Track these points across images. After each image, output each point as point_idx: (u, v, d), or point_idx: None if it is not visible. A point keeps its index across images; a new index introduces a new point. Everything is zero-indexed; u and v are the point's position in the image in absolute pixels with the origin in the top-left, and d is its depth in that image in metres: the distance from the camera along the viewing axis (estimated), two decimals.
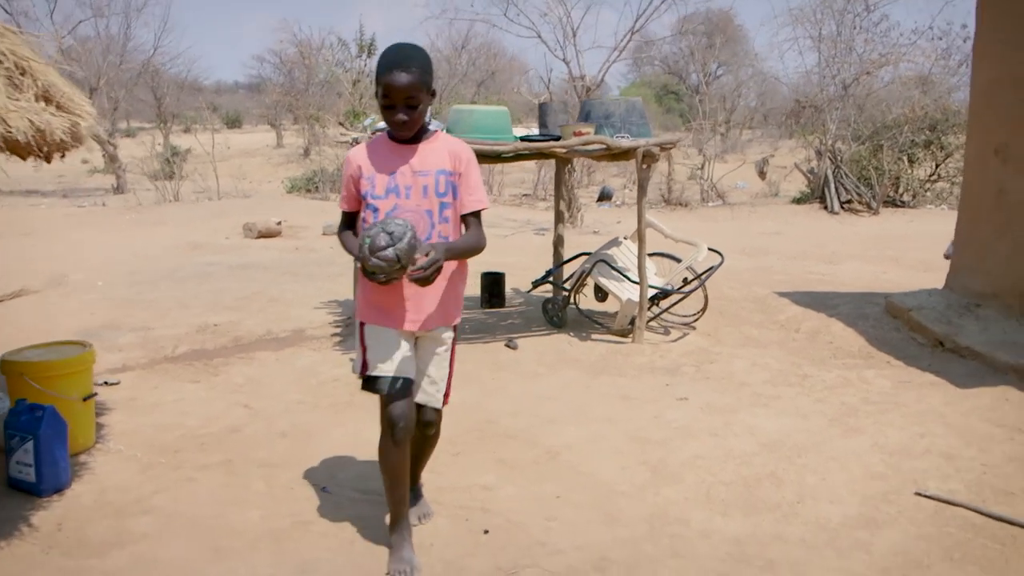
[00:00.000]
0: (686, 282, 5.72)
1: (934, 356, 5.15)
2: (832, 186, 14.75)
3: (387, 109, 2.56)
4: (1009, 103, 5.40)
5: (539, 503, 3.24)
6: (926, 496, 3.23)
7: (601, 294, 5.93)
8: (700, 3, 19.33)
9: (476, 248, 2.74)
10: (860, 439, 3.82)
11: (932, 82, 15.63)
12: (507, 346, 5.46)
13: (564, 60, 13.11)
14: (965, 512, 3.10)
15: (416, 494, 3.13)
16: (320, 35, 37.48)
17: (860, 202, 14.82)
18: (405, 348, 2.75)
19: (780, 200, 16.71)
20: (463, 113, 5.12)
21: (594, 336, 5.68)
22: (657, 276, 5.85)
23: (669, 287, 5.70)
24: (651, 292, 5.59)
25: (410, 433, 2.76)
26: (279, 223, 11.37)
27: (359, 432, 3.98)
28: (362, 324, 2.76)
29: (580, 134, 4.97)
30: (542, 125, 5.45)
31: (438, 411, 2.94)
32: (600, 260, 5.56)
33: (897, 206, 15.25)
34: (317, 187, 17.32)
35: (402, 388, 2.71)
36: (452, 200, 2.69)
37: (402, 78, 2.50)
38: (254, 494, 3.33)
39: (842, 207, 14.59)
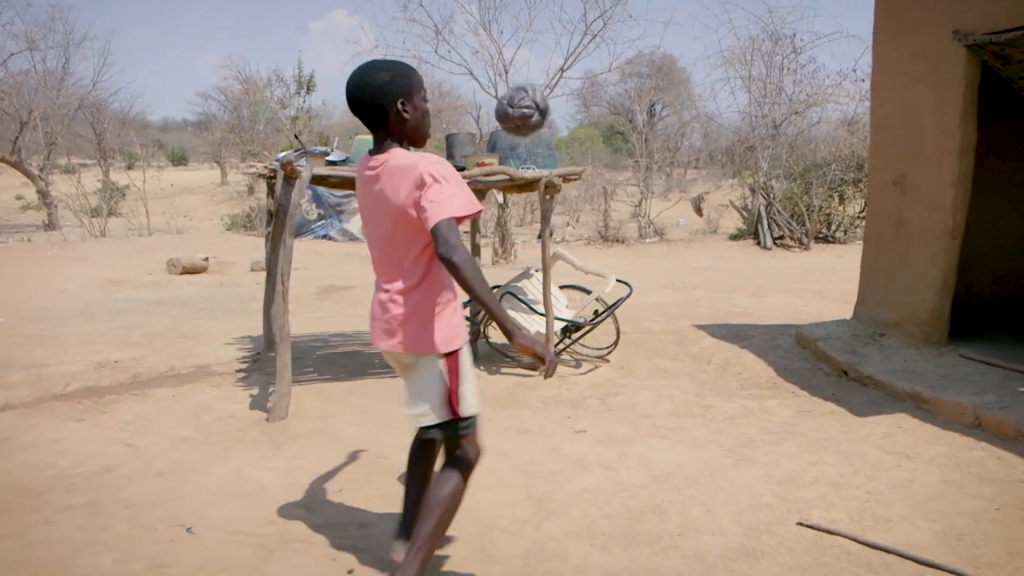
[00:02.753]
0: (597, 314, 5.69)
1: (838, 385, 5.18)
2: (765, 222, 15.04)
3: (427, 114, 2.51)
4: (904, 136, 5.53)
5: None
6: (807, 526, 3.18)
7: None
8: (629, 44, 19.69)
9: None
10: (752, 469, 3.78)
11: (857, 122, 16.12)
12: None
13: (496, 97, 13.21)
14: (844, 541, 3.06)
15: None
16: (265, 72, 37.38)
17: (792, 238, 15.13)
18: None
19: (718, 237, 16.98)
20: (365, 143, 5.05)
21: (504, 370, 5.60)
22: (568, 308, 5.81)
23: (581, 319, 5.66)
24: (561, 324, 5.54)
25: None
26: (205, 259, 11.13)
27: (241, 469, 3.83)
28: (456, 351, 2.51)
29: (483, 164, 4.94)
30: (449, 156, 5.42)
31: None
32: (507, 292, 5.51)
33: (828, 242, 15.60)
34: (254, 224, 17.09)
35: None
36: None
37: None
38: (113, 536, 3.14)
39: (775, 243, 14.87)
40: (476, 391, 2.62)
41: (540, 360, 2.37)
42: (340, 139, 5.97)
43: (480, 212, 2.53)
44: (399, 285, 2.49)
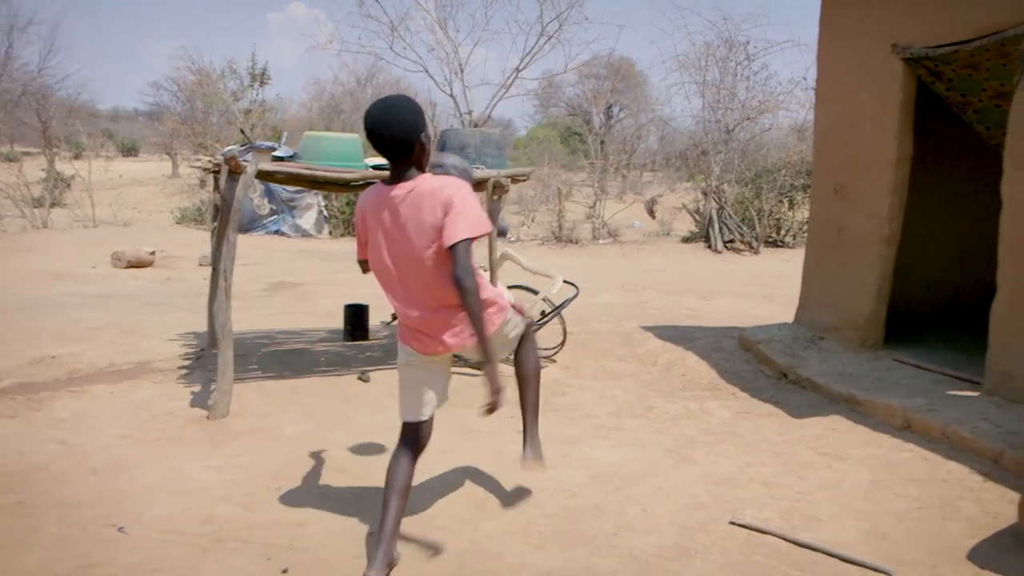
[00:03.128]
0: (544, 315, 5.73)
1: (778, 387, 5.30)
2: (716, 226, 15.29)
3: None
4: (845, 145, 5.68)
5: (351, 540, 3.11)
6: (740, 525, 3.26)
7: None
8: (584, 46, 19.82)
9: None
10: (691, 469, 3.85)
11: (807, 129, 16.47)
12: (359, 379, 5.32)
13: (451, 95, 13.21)
14: (774, 539, 3.14)
15: None
16: (220, 64, 36.70)
17: (742, 241, 15.40)
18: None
19: (670, 239, 17.19)
20: (313, 140, 5.02)
21: (451, 369, 5.58)
22: None
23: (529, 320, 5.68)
24: None
25: None
26: (152, 252, 10.91)
27: (179, 468, 3.78)
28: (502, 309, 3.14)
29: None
30: None
31: None
32: None
33: (778, 246, 15.92)
34: (205, 218, 16.79)
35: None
36: None
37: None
38: (41, 537, 3.07)
39: (725, 246, 15.12)
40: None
41: (493, 395, 2.76)
42: (289, 135, 5.90)
43: (489, 232, 2.79)
44: (446, 301, 2.75)
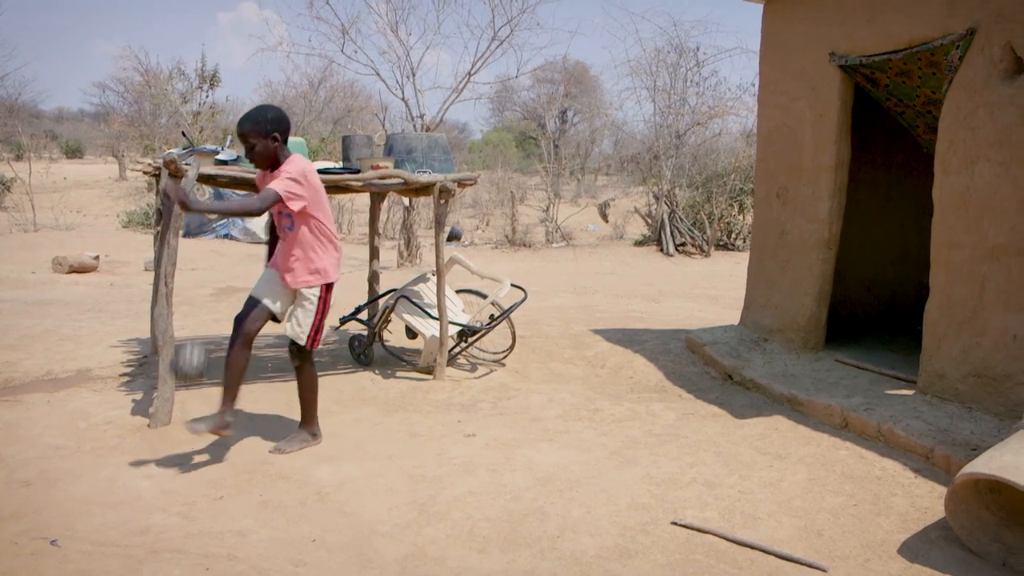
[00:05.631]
0: (492, 318, 5.74)
1: (722, 389, 5.38)
2: (668, 229, 15.47)
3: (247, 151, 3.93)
4: (786, 151, 5.81)
5: (292, 547, 3.08)
6: (681, 525, 3.30)
7: (412, 332, 5.86)
8: (537, 51, 19.93)
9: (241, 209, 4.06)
10: (634, 471, 3.89)
11: (755, 134, 16.75)
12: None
13: (403, 99, 13.16)
14: (714, 539, 3.18)
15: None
16: (168, 64, 35.88)
17: (693, 245, 15.61)
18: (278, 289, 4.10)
19: (624, 243, 17.34)
20: None
21: (399, 373, 5.58)
22: (464, 313, 5.84)
23: (478, 324, 5.70)
24: (457, 328, 5.56)
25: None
26: (96, 257, 10.66)
27: (115, 478, 3.70)
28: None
29: (378, 168, 4.91)
30: (345, 158, 5.37)
31: (301, 348, 4.12)
32: (402, 296, 5.49)
33: (728, 249, 16.16)
34: (153, 222, 16.46)
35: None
36: (284, 208, 3.90)
37: (242, 128, 3.86)
38: None
39: (677, 249, 15.31)
40: None
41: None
42: (233, 138, 5.81)
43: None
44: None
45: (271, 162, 3.92)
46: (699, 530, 3.25)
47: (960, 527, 3.04)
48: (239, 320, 4.05)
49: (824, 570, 2.91)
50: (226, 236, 16.07)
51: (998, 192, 4.13)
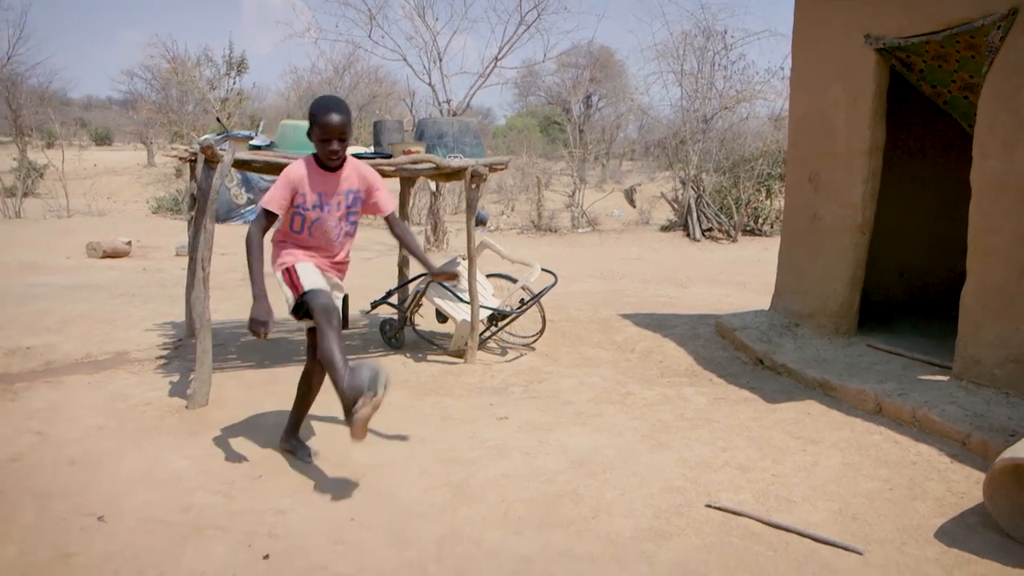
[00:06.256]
0: (522, 303, 5.76)
1: (753, 374, 5.37)
2: (694, 215, 15.39)
3: (323, 142, 3.38)
4: (819, 135, 5.75)
5: (331, 526, 3.13)
6: (715, 507, 3.31)
7: (442, 316, 5.90)
8: (563, 35, 19.84)
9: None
10: (666, 454, 3.90)
11: (783, 118, 16.59)
12: None
13: (430, 84, 13.17)
14: (749, 521, 3.19)
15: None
16: (195, 52, 36.10)
17: (720, 230, 15.51)
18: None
19: (650, 228, 17.28)
20: (291, 128, 5.01)
21: (430, 357, 5.62)
22: (494, 297, 5.86)
23: (507, 308, 5.72)
24: (487, 312, 5.59)
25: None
26: (128, 243, 10.82)
27: (157, 458, 3.78)
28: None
29: (409, 152, 4.94)
30: (376, 143, 5.40)
31: None
32: (433, 280, 5.52)
33: (755, 235, 16.05)
34: (181, 208, 16.65)
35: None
36: (358, 210, 3.64)
37: (336, 119, 3.35)
38: (18, 527, 3.06)
39: (703, 235, 15.23)
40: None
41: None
42: (266, 123, 5.87)
43: (274, 216, 3.44)
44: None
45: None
46: (734, 512, 3.26)
47: (998, 512, 3.03)
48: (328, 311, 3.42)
49: (860, 553, 2.92)
50: None
51: None
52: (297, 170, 3.47)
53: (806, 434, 4.15)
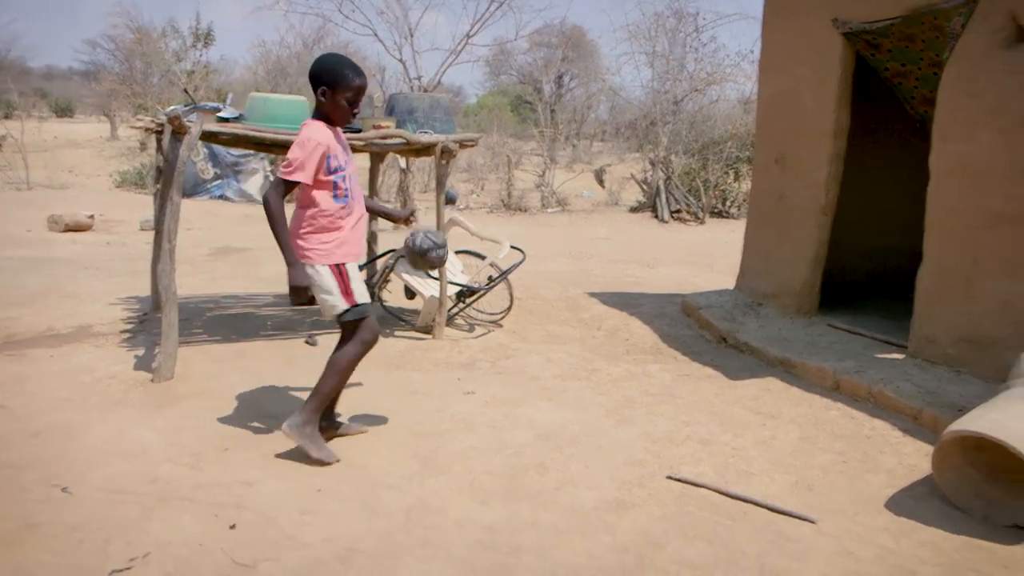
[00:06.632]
0: (491, 280, 5.79)
1: (717, 351, 5.47)
2: (663, 196, 15.49)
3: (351, 104, 3.35)
4: (786, 117, 5.84)
5: (299, 497, 3.16)
6: (676, 479, 3.40)
7: (410, 292, 5.91)
8: (536, 14, 19.76)
9: None
10: (631, 428, 3.98)
11: (753, 101, 16.72)
12: (306, 343, 5.33)
13: (400, 60, 13.07)
14: (708, 492, 3.29)
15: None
16: (160, 22, 35.33)
17: (688, 212, 15.65)
18: None
19: (619, 209, 17.36)
20: (259, 101, 4.97)
21: (397, 333, 5.64)
22: (463, 273, 5.89)
23: (475, 284, 5.76)
24: (456, 289, 5.62)
25: None
26: (91, 216, 10.64)
27: (122, 430, 3.76)
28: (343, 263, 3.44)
29: (380, 127, 4.93)
30: None
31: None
32: (402, 256, 5.54)
33: (723, 217, 16.21)
34: (146, 181, 16.37)
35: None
36: None
37: (366, 82, 3.39)
38: None
39: (672, 216, 15.35)
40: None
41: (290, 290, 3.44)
42: (235, 96, 5.81)
43: (294, 184, 3.29)
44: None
45: None
46: (694, 484, 3.35)
47: (945, 483, 3.15)
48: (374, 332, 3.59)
49: (814, 522, 3.02)
50: (220, 197, 16.01)
51: (996, 160, 4.18)
52: (320, 131, 3.32)
53: (766, 409, 4.26)
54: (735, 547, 2.86)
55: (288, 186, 3.30)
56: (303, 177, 3.27)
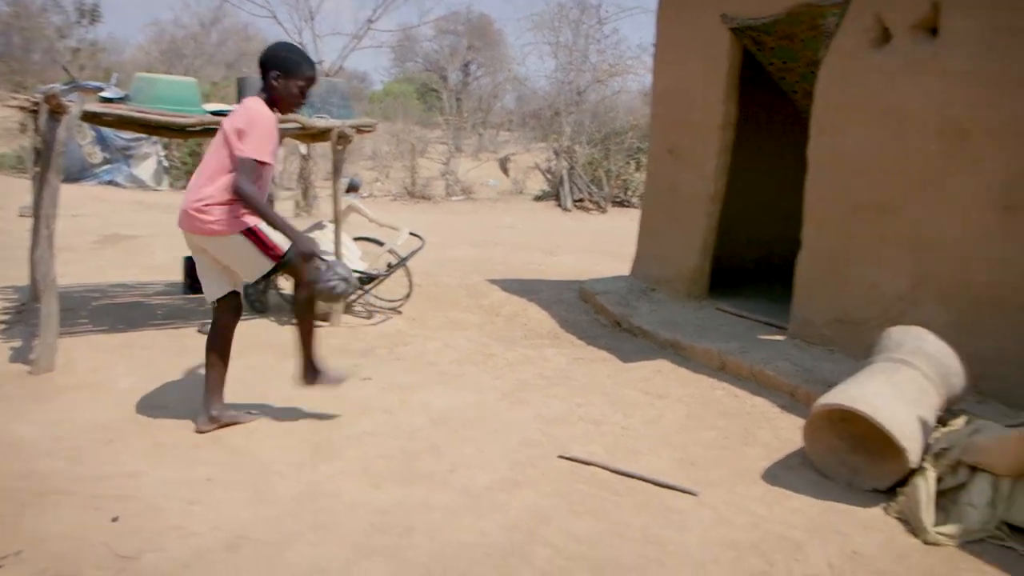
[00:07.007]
0: (390, 266, 5.78)
1: (612, 335, 5.63)
2: (567, 185, 15.74)
3: (301, 93, 3.41)
4: (678, 109, 6.04)
5: (187, 487, 3.09)
6: (567, 458, 3.50)
7: None
8: (438, 0, 19.65)
9: None
10: (525, 411, 4.06)
11: None
12: (199, 331, 5.19)
13: (300, 43, 12.77)
14: (597, 470, 3.40)
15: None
16: None
17: (591, 201, 15.95)
18: None
19: (523, 197, 17.53)
20: (146, 82, 4.78)
21: (295, 320, 5.55)
22: (361, 260, 5.85)
23: (374, 271, 5.73)
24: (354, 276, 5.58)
25: None
26: None
27: None
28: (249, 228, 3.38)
29: None
30: (239, 100, 5.23)
31: None
32: None
33: (624, 206, 16.59)
34: (26, 165, 15.45)
35: None
36: None
37: (316, 73, 3.49)
38: None
39: (575, 205, 15.62)
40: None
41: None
42: (120, 76, 5.58)
43: (261, 161, 3.27)
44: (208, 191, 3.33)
45: None
46: (584, 463, 3.45)
47: (814, 453, 3.36)
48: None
49: (695, 494, 3.17)
50: (110, 182, 15.29)
51: (863, 152, 4.46)
52: (269, 113, 3.36)
53: (656, 390, 4.42)
54: (621, 520, 2.98)
55: (258, 168, 3.28)
56: (268, 156, 3.30)
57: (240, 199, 3.24)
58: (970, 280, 3.95)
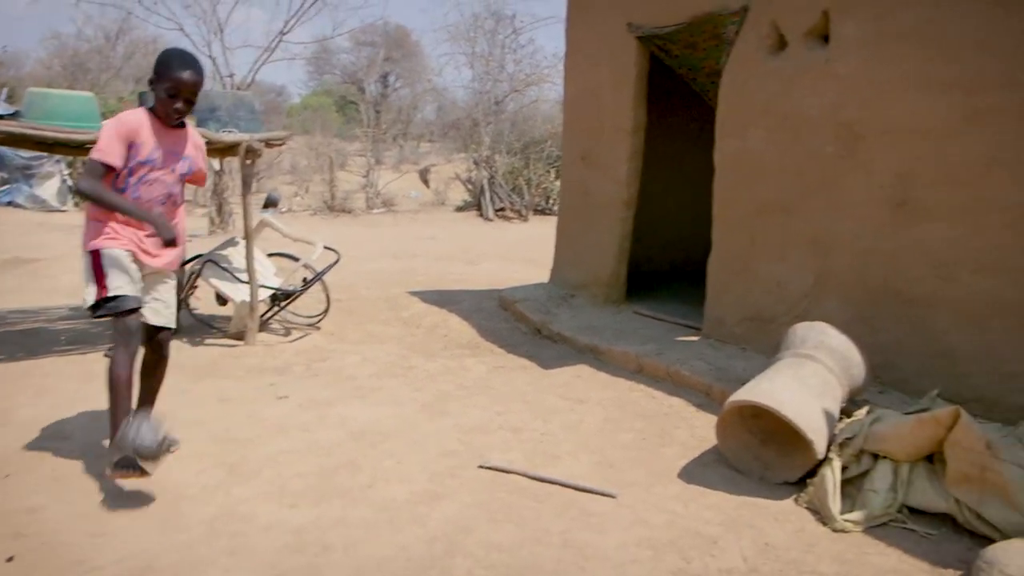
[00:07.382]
0: (306, 282, 5.68)
1: (532, 343, 5.66)
2: (488, 195, 15.79)
3: (171, 98, 3.15)
4: (589, 115, 6.13)
5: (90, 520, 2.96)
6: (487, 467, 3.49)
7: (222, 298, 5.68)
8: (352, 12, 19.53)
9: None
10: (444, 421, 4.04)
11: None
12: (106, 356, 4.98)
13: (210, 57, 12.50)
14: (517, 477, 3.40)
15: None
16: None
17: (512, 210, 16.04)
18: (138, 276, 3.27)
19: (445, 208, 17.49)
20: (38, 97, 4.59)
21: (208, 341, 5.41)
22: (276, 276, 5.73)
23: (289, 287, 5.62)
24: (269, 292, 5.46)
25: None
26: None
27: None
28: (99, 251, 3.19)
29: None
30: None
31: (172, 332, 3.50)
32: (209, 261, 5.31)
33: (546, 214, 16.73)
34: None
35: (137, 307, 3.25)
36: (187, 178, 3.42)
37: (190, 77, 3.16)
38: None
39: (496, 214, 15.68)
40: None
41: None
42: (10, 91, 5.33)
43: (104, 163, 3.11)
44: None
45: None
46: (504, 471, 3.45)
47: (728, 450, 3.45)
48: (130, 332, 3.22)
49: (614, 496, 3.21)
50: (9, 204, 14.57)
51: (764, 155, 4.61)
52: (133, 118, 3.18)
53: (575, 395, 4.46)
54: (541, 527, 2.99)
55: (106, 170, 3.13)
56: (110, 158, 3.10)
57: (86, 199, 3.19)
58: (867, 275, 4.12)
